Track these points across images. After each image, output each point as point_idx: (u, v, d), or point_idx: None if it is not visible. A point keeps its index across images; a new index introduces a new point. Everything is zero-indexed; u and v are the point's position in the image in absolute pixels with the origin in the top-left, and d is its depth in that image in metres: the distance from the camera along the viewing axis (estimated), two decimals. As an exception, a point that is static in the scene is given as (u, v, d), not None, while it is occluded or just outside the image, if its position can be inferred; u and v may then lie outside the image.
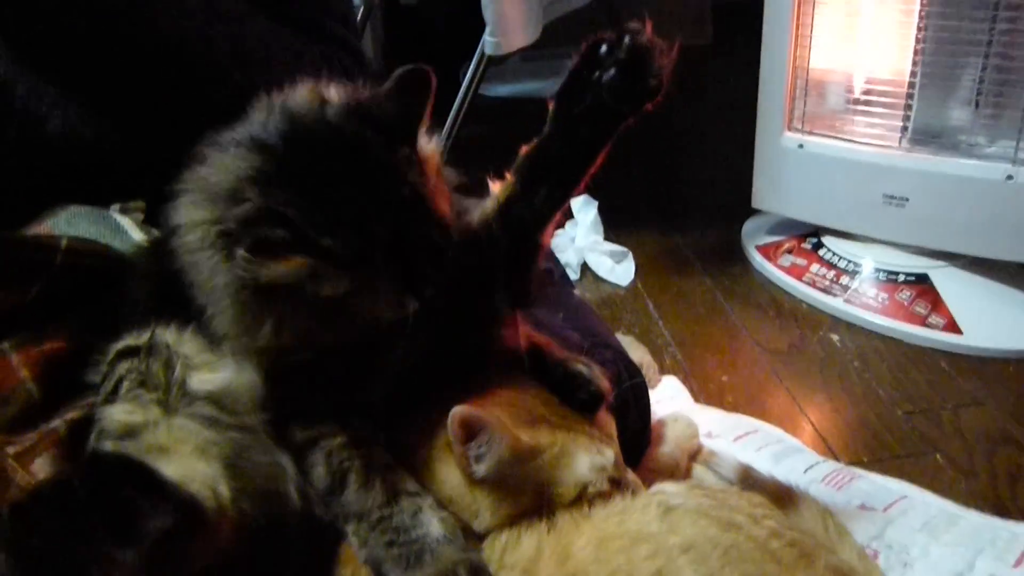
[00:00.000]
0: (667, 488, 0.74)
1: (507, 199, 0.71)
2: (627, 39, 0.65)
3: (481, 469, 0.68)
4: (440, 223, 0.67)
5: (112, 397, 0.69)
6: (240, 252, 0.58)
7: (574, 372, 0.78)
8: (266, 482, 0.66)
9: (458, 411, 0.66)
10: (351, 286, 0.62)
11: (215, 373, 0.69)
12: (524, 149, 0.71)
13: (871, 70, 1.61)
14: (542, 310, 1.01)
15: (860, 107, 1.63)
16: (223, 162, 0.66)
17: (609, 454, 0.74)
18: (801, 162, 1.69)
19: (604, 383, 0.78)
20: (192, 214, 0.67)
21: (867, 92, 1.61)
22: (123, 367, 0.70)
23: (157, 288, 0.78)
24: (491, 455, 0.67)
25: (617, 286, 1.79)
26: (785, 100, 1.68)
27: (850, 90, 1.64)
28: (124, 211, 1.07)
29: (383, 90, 0.67)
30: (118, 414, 0.64)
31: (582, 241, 1.87)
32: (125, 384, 0.69)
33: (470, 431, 0.67)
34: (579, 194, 0.73)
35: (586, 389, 0.77)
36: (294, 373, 0.70)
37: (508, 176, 0.72)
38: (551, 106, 0.69)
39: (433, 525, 0.66)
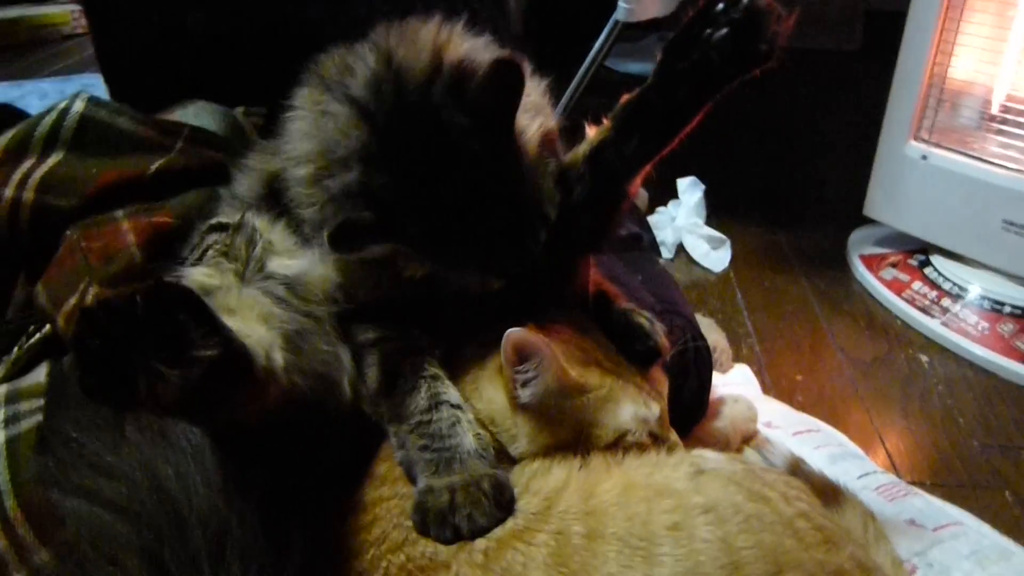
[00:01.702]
0: (706, 453, 0.75)
1: (600, 143, 0.73)
2: None
3: (526, 394, 0.70)
4: (528, 206, 0.69)
5: (197, 263, 0.74)
6: (324, 236, 0.64)
7: (635, 323, 0.79)
8: (322, 367, 0.70)
9: (513, 333, 0.68)
10: (434, 267, 0.67)
11: (294, 260, 0.74)
12: (624, 97, 0.72)
13: (1013, 87, 1.53)
14: (622, 267, 1.02)
15: (995, 125, 1.55)
16: (338, 117, 0.69)
17: (655, 409, 0.75)
18: (922, 174, 1.62)
19: (663, 340, 0.78)
20: (305, 146, 0.72)
21: (1005, 110, 1.53)
22: (211, 239, 0.76)
23: (261, 184, 0.83)
24: (538, 382, 0.69)
25: (709, 271, 1.77)
26: (915, 108, 1.61)
27: (987, 106, 1.56)
28: (248, 114, 1.13)
29: (480, 78, 0.67)
30: (197, 275, 0.69)
31: (682, 221, 1.85)
32: (210, 253, 0.74)
33: (522, 355, 0.69)
34: (671, 151, 0.73)
35: (644, 342, 0.78)
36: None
37: (605, 121, 0.73)
38: (658, 57, 0.69)
39: (467, 438, 0.68)
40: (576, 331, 0.77)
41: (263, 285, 0.70)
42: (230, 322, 0.57)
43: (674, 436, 0.79)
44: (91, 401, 0.49)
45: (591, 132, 0.76)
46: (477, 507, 0.63)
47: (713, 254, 1.80)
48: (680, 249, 1.84)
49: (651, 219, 1.85)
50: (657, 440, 0.75)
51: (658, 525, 0.63)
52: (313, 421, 0.69)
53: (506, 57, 0.65)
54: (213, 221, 0.79)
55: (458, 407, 0.71)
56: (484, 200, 0.66)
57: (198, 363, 0.51)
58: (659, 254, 1.58)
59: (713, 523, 0.63)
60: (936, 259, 1.66)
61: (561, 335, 0.75)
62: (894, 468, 1.21)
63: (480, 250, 0.68)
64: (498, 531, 0.63)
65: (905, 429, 1.31)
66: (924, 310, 1.57)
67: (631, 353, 0.78)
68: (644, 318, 0.80)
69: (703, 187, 1.88)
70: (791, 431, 1.16)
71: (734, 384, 1.29)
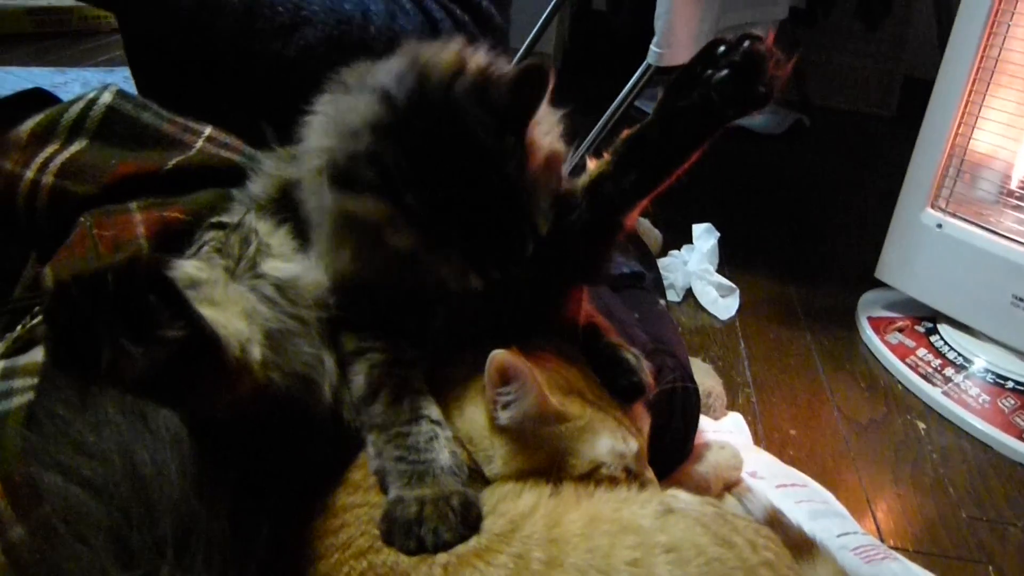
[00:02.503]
0: (679, 494, 0.75)
1: (598, 176, 0.74)
2: (746, 43, 0.67)
3: (505, 416, 0.71)
4: (522, 214, 0.70)
5: (192, 257, 0.76)
6: (327, 177, 0.66)
7: (621, 358, 0.79)
8: (303, 368, 0.71)
9: (498, 354, 0.69)
10: (420, 244, 0.68)
11: (287, 264, 0.75)
12: (625, 133, 0.74)
13: (1035, 165, 1.53)
14: (619, 304, 1.03)
15: (1013, 200, 1.55)
16: (357, 103, 0.72)
17: (633, 445, 0.76)
18: (936, 243, 1.63)
19: (648, 377, 0.79)
20: (321, 140, 0.74)
21: (1024, 186, 1.54)
22: (209, 235, 0.78)
23: (275, 188, 0.85)
24: (518, 405, 0.70)
25: (715, 318, 1.77)
26: (935, 176, 1.62)
27: (1006, 181, 1.56)
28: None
29: (505, 79, 0.69)
30: (188, 268, 0.71)
31: (693, 267, 1.86)
32: (205, 248, 0.76)
33: (504, 376, 0.70)
34: (669, 186, 0.75)
35: (628, 377, 0.78)
36: (361, 291, 0.76)
37: (605, 155, 0.75)
38: (660, 95, 0.71)
39: (443, 454, 0.69)
40: (561, 359, 0.78)
41: (252, 283, 0.72)
42: (209, 312, 0.59)
43: (650, 474, 0.79)
44: (58, 370, 0.51)
45: (592, 165, 0.78)
46: (444, 522, 0.64)
47: (721, 302, 1.80)
48: (689, 294, 1.85)
49: (662, 262, 1.86)
50: (632, 476, 0.76)
51: (618, 560, 0.63)
52: (291, 421, 0.70)
53: (538, 63, 0.67)
54: (214, 219, 0.81)
55: (437, 423, 0.72)
56: (483, 190, 0.68)
57: (163, 343, 0.53)
58: (663, 295, 1.59)
59: (673, 563, 0.63)
60: (944, 328, 1.66)
61: (546, 361, 0.76)
62: (879, 531, 1.20)
63: (467, 238, 0.69)
64: (460, 548, 0.64)
65: (894, 494, 1.31)
66: (926, 377, 1.57)
67: (615, 387, 0.79)
68: (631, 354, 0.80)
69: (718, 234, 1.90)
70: (775, 483, 1.15)
71: (724, 431, 1.29)
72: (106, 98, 1.00)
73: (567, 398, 0.74)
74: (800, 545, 0.90)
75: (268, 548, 0.64)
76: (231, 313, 0.65)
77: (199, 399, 0.60)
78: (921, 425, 1.48)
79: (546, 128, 0.75)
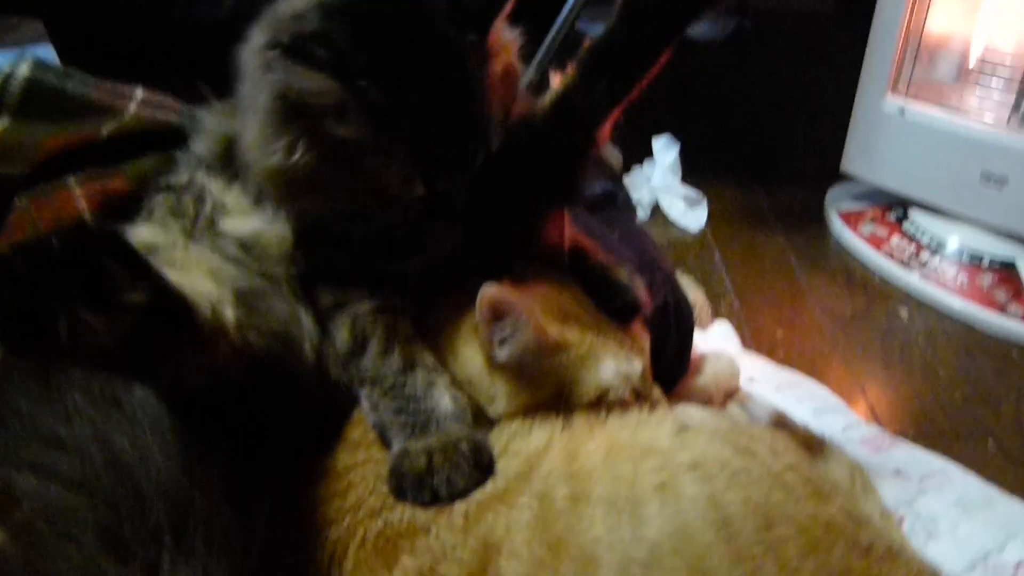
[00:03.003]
0: (689, 410, 0.73)
1: (566, 90, 0.70)
2: None
3: (503, 353, 0.67)
4: (479, 118, 0.65)
5: (145, 223, 0.70)
6: (270, 50, 0.58)
7: (613, 278, 0.76)
8: (279, 326, 0.66)
9: (488, 290, 0.65)
10: (365, 136, 0.61)
11: (247, 219, 0.70)
12: (588, 42, 0.69)
13: (990, 41, 1.51)
14: (598, 224, 0.99)
15: (972, 78, 1.53)
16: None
17: (637, 365, 0.73)
18: (899, 129, 1.61)
19: (643, 295, 0.76)
20: (258, 39, 0.66)
21: (982, 64, 1.51)
22: (159, 198, 0.72)
23: (218, 145, 0.79)
24: (515, 341, 0.66)
25: (686, 231, 1.75)
26: (893, 61, 1.59)
27: (964, 60, 1.54)
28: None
29: None
30: (142, 233, 0.65)
31: (658, 181, 1.83)
32: (157, 212, 0.70)
33: (498, 313, 0.66)
34: (639, 93, 0.70)
35: (623, 297, 0.75)
36: (327, 235, 0.71)
37: (569, 69, 0.70)
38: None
39: (444, 400, 0.66)
40: (553, 287, 0.74)
41: (213, 243, 0.67)
42: (172, 275, 0.53)
43: (657, 392, 0.76)
44: (12, 354, 0.46)
45: (556, 80, 0.73)
46: (456, 469, 0.61)
47: (690, 213, 1.77)
48: (656, 209, 1.81)
49: (626, 179, 1.82)
50: (640, 397, 0.73)
51: (644, 485, 0.60)
52: (275, 384, 0.66)
53: None
54: (162, 182, 0.75)
55: (433, 369, 0.68)
56: (441, 85, 0.62)
57: (127, 309, 0.48)
58: (635, 212, 1.56)
59: (699, 480, 0.61)
60: (914, 213, 1.65)
61: (538, 291, 0.72)
62: (877, 420, 1.20)
63: (418, 135, 0.63)
64: (477, 494, 0.61)
65: (886, 382, 1.30)
66: (903, 264, 1.56)
67: (610, 308, 0.75)
68: (622, 272, 0.77)
69: (678, 145, 1.86)
70: (773, 385, 1.14)
71: (715, 340, 1.27)
72: (23, 71, 0.92)
73: (564, 325, 0.70)
74: (810, 444, 0.89)
75: (272, 520, 0.60)
76: (195, 274, 0.60)
77: (175, 368, 0.55)
78: (903, 312, 1.48)
79: (505, 41, 0.70)
